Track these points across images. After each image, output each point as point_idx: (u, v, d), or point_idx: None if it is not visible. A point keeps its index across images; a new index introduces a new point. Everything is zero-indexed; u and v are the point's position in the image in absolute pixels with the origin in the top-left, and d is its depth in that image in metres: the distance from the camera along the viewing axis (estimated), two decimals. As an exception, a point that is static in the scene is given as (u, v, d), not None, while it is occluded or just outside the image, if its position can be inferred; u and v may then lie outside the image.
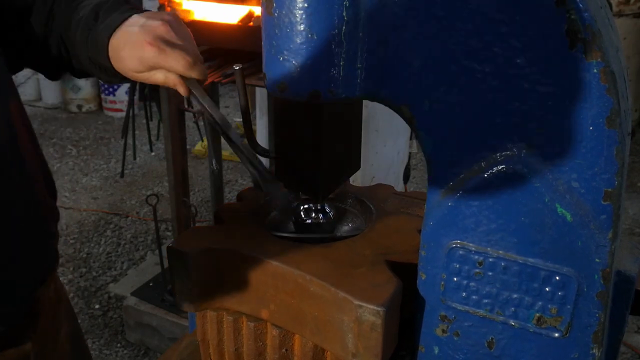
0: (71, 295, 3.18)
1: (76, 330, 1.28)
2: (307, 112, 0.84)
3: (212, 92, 2.75)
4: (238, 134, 1.00)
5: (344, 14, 0.67)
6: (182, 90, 0.96)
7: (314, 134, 0.85)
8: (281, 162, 0.93)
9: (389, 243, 0.88)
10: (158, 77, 0.95)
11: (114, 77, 1.05)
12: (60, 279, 1.23)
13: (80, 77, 1.17)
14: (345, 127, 0.92)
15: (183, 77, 0.94)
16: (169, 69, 0.93)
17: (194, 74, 0.93)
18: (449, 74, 0.68)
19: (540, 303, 0.72)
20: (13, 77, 1.06)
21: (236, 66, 0.92)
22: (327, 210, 0.96)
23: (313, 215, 0.95)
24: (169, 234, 3.66)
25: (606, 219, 0.67)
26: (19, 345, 1.03)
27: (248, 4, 2.25)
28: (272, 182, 0.97)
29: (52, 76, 1.19)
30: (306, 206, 0.96)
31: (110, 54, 0.98)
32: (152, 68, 0.94)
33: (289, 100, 0.74)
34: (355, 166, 0.98)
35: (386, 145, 2.76)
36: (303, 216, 0.95)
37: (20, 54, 1.11)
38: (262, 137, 3.14)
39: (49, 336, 1.12)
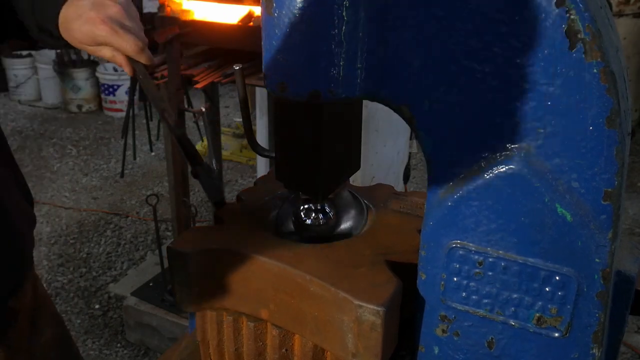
0: (71, 295, 3.18)
1: (64, 336, 1.24)
2: (307, 112, 0.84)
3: (212, 92, 2.75)
4: (173, 116, 1.04)
5: (344, 14, 0.66)
6: (128, 70, 1.00)
7: (314, 134, 0.85)
8: (281, 162, 0.93)
9: (389, 243, 0.88)
10: (105, 52, 0.98)
11: (59, 44, 1.08)
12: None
13: (30, 45, 1.19)
14: (345, 127, 0.92)
15: (130, 59, 0.98)
16: (119, 50, 0.96)
17: (142, 59, 0.97)
18: (449, 74, 0.68)
19: (540, 303, 0.72)
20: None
21: (236, 66, 0.92)
22: (327, 210, 0.96)
23: (313, 215, 0.95)
24: (169, 234, 3.66)
25: (606, 219, 0.67)
26: None
27: (248, 4, 2.25)
28: (201, 165, 1.00)
29: None
30: (306, 206, 0.96)
31: (60, 22, 1.01)
32: (101, 44, 0.97)
33: (289, 100, 0.74)
34: (355, 166, 0.98)
35: (386, 145, 2.76)
36: (303, 216, 0.95)
37: None
38: (262, 137, 3.13)
39: (24, 344, 1.09)
